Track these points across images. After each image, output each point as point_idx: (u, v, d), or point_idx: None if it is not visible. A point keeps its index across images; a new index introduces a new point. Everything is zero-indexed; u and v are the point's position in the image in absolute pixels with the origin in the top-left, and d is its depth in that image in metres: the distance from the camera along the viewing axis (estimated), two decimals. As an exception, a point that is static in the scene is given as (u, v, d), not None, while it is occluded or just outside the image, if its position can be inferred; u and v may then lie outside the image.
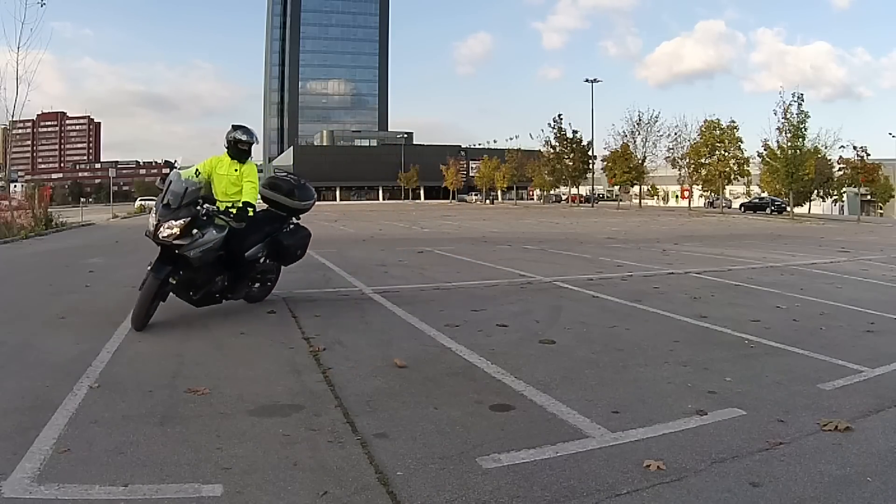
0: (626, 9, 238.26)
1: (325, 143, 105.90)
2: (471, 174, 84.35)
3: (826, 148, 38.45)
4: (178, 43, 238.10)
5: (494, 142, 77.54)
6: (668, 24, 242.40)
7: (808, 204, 43.44)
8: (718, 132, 44.46)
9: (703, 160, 44.97)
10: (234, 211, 5.46)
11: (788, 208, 40.15)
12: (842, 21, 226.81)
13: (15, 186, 32.03)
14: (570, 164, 56.19)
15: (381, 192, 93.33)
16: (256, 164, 6.04)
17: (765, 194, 47.08)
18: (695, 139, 45.96)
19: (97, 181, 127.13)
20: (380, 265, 9.87)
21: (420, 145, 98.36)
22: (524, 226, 25.03)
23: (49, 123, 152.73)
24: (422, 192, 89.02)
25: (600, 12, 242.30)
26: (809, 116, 36.39)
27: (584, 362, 4.30)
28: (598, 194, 68.52)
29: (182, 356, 4.40)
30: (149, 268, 5.15)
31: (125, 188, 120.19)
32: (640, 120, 50.57)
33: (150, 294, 5.02)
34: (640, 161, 50.40)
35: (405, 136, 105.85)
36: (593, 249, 13.23)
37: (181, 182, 5.26)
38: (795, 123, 36.44)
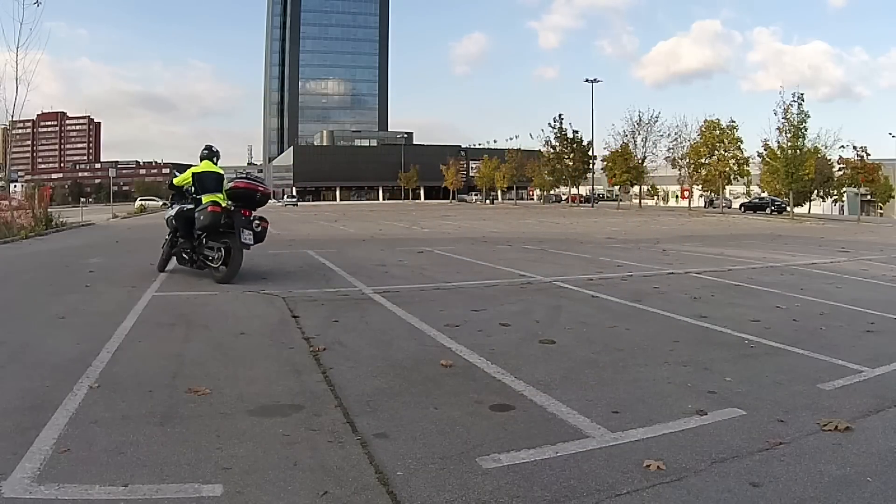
0: (621, 8, 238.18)
1: (324, 143, 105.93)
2: (471, 174, 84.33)
3: (826, 148, 38.45)
4: (175, 42, 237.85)
5: (494, 142, 77.65)
6: (665, 23, 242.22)
7: (808, 204, 43.38)
8: (718, 132, 44.46)
9: (703, 160, 44.97)
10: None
11: (788, 208, 40.13)
12: (839, 20, 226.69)
13: (15, 186, 31.99)
14: (570, 164, 56.19)
15: (381, 192, 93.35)
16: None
17: (765, 194, 47.02)
18: (694, 139, 45.99)
19: (97, 181, 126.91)
20: (380, 265, 9.87)
21: (420, 145, 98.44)
22: (524, 226, 25.02)
23: (49, 123, 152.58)
24: (422, 192, 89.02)
25: (595, 11, 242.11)
26: (809, 116, 36.38)
27: (584, 362, 4.30)
28: (598, 194, 68.44)
29: (182, 356, 4.40)
30: None
31: (125, 188, 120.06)
32: (639, 120, 50.62)
33: None
34: (639, 161, 50.41)
35: (405, 136, 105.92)
36: (593, 249, 13.23)
37: None
38: (795, 123, 36.40)
